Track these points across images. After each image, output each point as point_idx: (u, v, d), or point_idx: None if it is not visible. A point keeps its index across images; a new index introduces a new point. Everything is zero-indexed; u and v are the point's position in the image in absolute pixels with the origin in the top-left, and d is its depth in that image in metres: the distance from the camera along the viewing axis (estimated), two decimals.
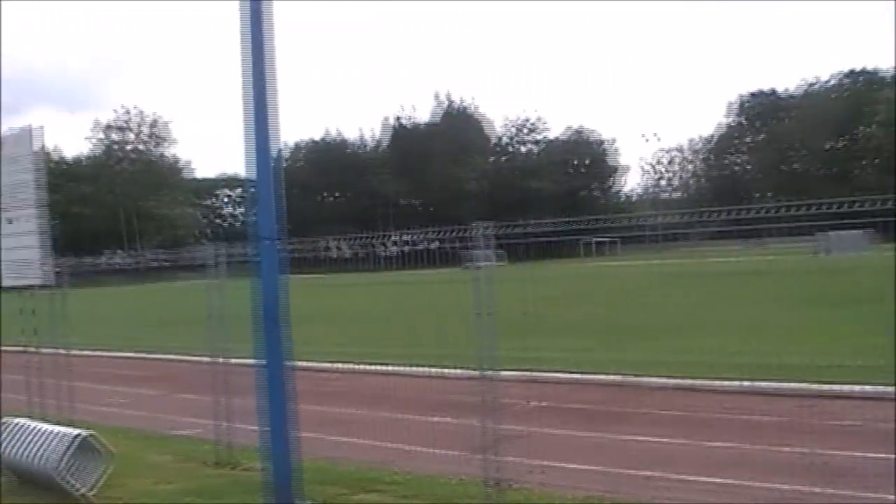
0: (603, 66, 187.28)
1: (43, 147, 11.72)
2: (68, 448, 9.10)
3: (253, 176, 7.25)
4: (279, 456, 7.26)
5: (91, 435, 9.40)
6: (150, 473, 10.59)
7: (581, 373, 15.17)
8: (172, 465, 11.13)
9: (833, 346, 15.64)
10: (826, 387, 12.41)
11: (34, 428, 9.81)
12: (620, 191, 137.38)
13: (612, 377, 14.85)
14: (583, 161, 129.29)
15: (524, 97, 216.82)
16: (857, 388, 12.25)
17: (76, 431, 9.45)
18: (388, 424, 11.88)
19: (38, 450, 9.30)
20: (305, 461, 8.17)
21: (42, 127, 11.50)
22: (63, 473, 8.99)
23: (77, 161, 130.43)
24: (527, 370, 14.48)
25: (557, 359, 16.15)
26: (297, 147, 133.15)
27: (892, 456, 8.78)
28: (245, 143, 7.25)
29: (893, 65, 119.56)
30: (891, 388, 11.32)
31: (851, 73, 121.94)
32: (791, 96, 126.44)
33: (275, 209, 7.23)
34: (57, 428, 9.75)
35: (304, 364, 15.78)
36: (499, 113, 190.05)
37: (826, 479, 8.47)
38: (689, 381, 13.98)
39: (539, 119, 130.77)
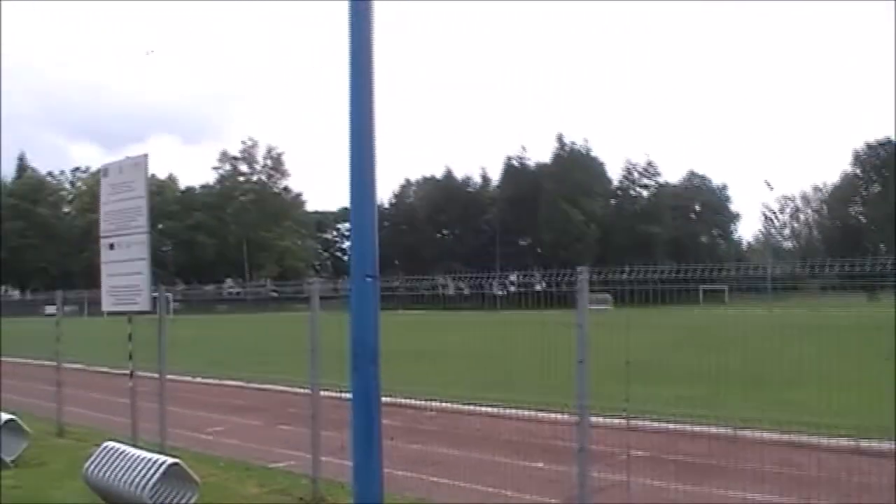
0: (716, 111, 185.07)
1: (152, 174, 11.96)
2: (154, 474, 9.10)
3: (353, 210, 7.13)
4: (361, 494, 7.13)
5: (176, 463, 9.39)
6: None
7: (683, 423, 14.75)
8: (263, 498, 11.10)
9: None
10: None
11: (125, 452, 9.86)
12: (736, 237, 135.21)
13: (717, 429, 14.40)
14: (693, 206, 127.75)
15: (639, 141, 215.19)
16: None
17: (165, 458, 9.46)
18: (485, 467, 11.70)
19: (126, 474, 9.33)
20: (397, 500, 8.05)
21: (146, 155, 11.74)
22: (147, 500, 8.99)
23: (205, 187, 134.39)
24: (627, 418, 14.15)
25: (660, 408, 15.76)
26: (418, 182, 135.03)
27: None
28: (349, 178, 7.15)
29: None
30: None
31: None
32: None
33: (374, 246, 7.10)
34: (146, 454, 9.77)
35: (405, 401, 15.73)
36: (612, 156, 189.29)
37: None
38: (796, 437, 13.45)
39: (650, 164, 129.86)
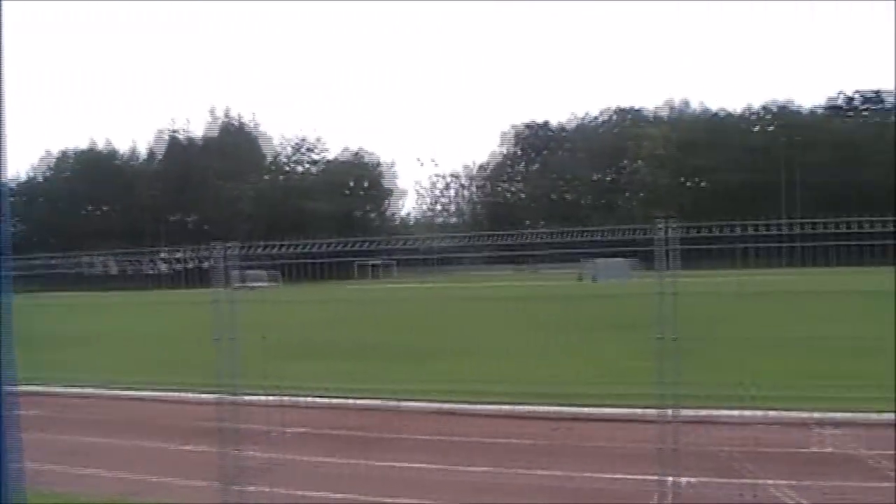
0: (382, 88, 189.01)
1: None
2: None
3: None
4: None
5: None
6: None
7: (342, 397, 14.79)
8: None
9: (595, 369, 15.94)
10: (585, 410, 12.58)
11: None
12: (396, 214, 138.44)
13: (373, 402, 14.54)
14: (360, 183, 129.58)
15: (303, 116, 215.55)
16: (621, 411, 12.44)
17: None
18: (135, 453, 11.18)
19: None
20: (39, 496, 7.46)
21: None
22: None
23: None
24: (285, 395, 13.97)
25: (318, 383, 15.72)
26: (64, 156, 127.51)
27: (639, 476, 9.05)
28: None
29: (657, 104, 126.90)
30: (646, 411, 11.45)
31: (620, 110, 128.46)
32: (563, 129, 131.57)
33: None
34: None
35: (52, 389, 14.74)
36: (277, 131, 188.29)
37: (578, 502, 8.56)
38: (449, 406, 13.83)
39: (318, 139, 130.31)
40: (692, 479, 8.83)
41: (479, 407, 13.58)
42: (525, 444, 11.19)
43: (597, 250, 10.07)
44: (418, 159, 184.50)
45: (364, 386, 15.52)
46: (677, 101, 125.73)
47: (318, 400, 14.67)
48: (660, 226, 8.07)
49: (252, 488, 8.31)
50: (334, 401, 14.68)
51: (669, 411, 8.20)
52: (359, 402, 14.59)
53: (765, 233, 8.55)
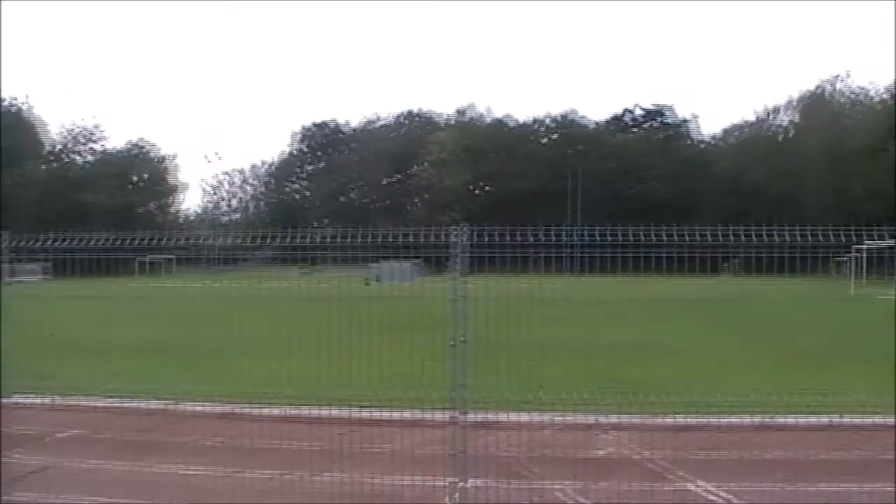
0: (170, 82, 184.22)
1: None
2: None
3: None
4: None
5: None
6: None
7: (121, 398, 14.27)
8: None
9: (383, 371, 15.97)
10: (374, 413, 12.58)
11: None
12: (179, 210, 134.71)
13: (154, 404, 14.09)
14: (141, 176, 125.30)
15: (82, 104, 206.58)
16: (410, 414, 12.49)
17: None
18: None
19: None
20: None
21: None
22: None
23: None
24: (59, 396, 13.36)
25: (96, 384, 15.12)
26: None
27: (429, 480, 9.07)
28: None
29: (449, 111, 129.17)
30: (435, 415, 11.59)
31: (410, 114, 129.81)
32: (354, 130, 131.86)
33: None
34: None
35: None
36: (55, 118, 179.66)
37: None
38: (232, 409, 13.57)
39: (97, 127, 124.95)
40: (480, 483, 9.01)
41: (264, 411, 13.38)
42: (313, 448, 11.10)
43: (382, 254, 10.19)
44: (205, 156, 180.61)
45: (144, 387, 15.03)
46: (467, 108, 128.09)
47: (94, 402, 14.11)
48: (453, 229, 8.20)
49: (21, 496, 7.89)
50: (112, 402, 14.16)
51: (459, 415, 8.34)
52: (138, 404, 14.12)
53: (548, 241, 8.82)
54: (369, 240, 8.79)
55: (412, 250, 9.15)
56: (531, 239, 8.61)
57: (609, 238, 8.61)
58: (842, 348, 19.68)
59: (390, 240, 8.65)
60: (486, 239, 8.42)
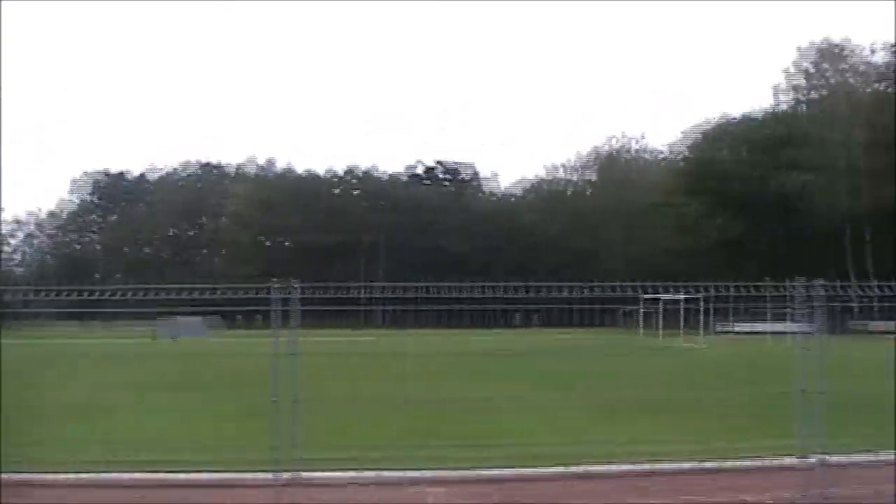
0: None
1: None
2: None
3: None
4: None
5: None
6: None
7: None
8: None
9: (191, 431, 15.33)
10: (180, 476, 11.98)
11: None
12: None
13: None
14: None
15: None
16: (221, 475, 11.95)
17: None
18: None
19: None
20: None
21: None
22: None
23: None
24: None
25: None
26: None
27: None
28: None
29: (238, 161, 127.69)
30: (245, 475, 11.17)
31: (203, 165, 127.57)
32: (144, 180, 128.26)
33: None
34: None
35: None
36: None
37: None
38: (21, 476, 12.63)
39: None
40: None
41: (60, 476, 12.40)
42: None
43: (174, 309, 9.87)
44: None
45: None
46: (261, 160, 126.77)
47: None
48: (276, 285, 8.08)
49: None
50: None
51: (282, 474, 8.10)
52: None
53: (347, 296, 8.77)
54: (167, 297, 8.46)
55: (210, 305, 8.89)
56: (359, 292, 8.56)
57: (402, 293, 8.63)
58: (654, 398, 20.17)
59: (200, 296, 8.38)
60: (312, 293, 8.31)
